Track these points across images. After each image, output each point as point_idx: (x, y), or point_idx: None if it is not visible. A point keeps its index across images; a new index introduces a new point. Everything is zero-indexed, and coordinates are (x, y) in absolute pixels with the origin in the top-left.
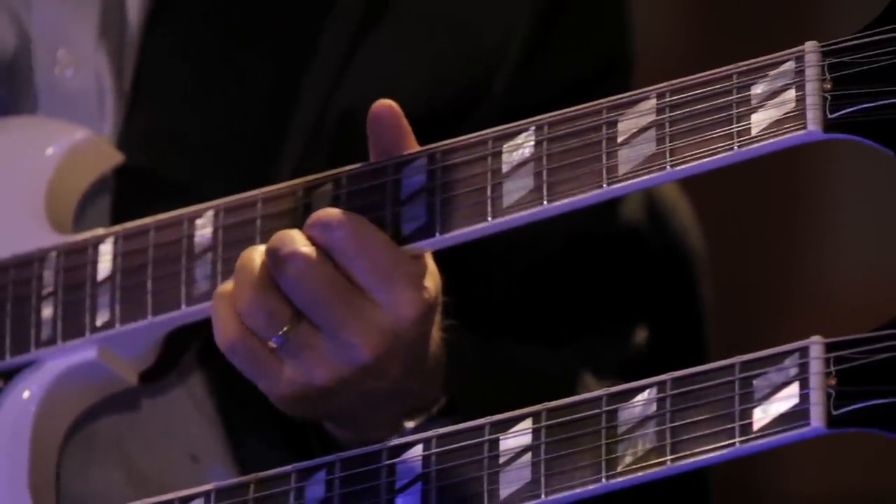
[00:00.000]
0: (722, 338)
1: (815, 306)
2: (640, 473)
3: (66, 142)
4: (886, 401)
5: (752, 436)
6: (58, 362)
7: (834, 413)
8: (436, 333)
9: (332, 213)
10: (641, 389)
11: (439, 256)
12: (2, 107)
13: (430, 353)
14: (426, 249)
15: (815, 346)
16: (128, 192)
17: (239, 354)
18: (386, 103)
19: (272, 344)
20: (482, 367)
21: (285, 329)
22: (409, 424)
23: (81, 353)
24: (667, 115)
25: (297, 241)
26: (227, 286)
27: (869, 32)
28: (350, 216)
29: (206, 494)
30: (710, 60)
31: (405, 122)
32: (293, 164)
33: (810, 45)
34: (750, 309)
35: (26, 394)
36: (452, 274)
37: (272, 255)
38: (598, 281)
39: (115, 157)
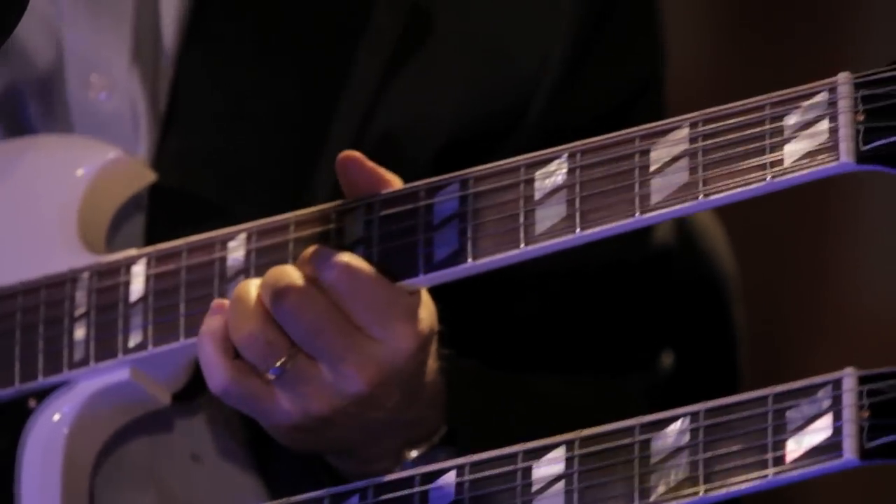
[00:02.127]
0: (754, 361)
1: (846, 330)
2: (673, 503)
3: (99, 161)
4: None
5: (785, 467)
6: (90, 383)
7: (867, 446)
8: (432, 363)
9: (324, 252)
10: (674, 419)
11: (465, 283)
12: (34, 121)
13: (427, 382)
14: (437, 282)
15: (848, 378)
16: (161, 212)
17: (234, 394)
18: (347, 155)
19: (270, 375)
20: (483, 396)
21: (283, 360)
22: (412, 455)
23: (114, 374)
24: (700, 145)
25: (293, 275)
26: (211, 326)
27: None
28: (341, 255)
29: None
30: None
31: (370, 165)
32: (328, 188)
33: (843, 77)
34: (782, 332)
35: (57, 416)
36: (475, 301)
37: (269, 288)
38: (627, 305)
39: (148, 177)
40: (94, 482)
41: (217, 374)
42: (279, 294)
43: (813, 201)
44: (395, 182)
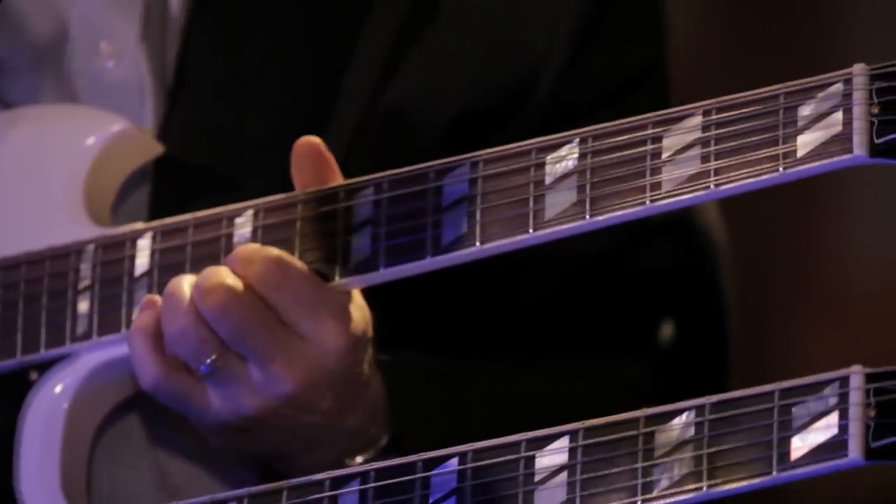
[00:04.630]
0: (745, 332)
1: (835, 304)
2: (675, 498)
3: (106, 132)
4: None
5: (790, 465)
6: (92, 356)
7: (872, 446)
8: (368, 369)
9: (251, 247)
10: (679, 412)
11: (457, 270)
12: (31, 93)
13: (364, 388)
14: (422, 270)
15: (856, 375)
16: (167, 184)
17: (165, 391)
18: (307, 140)
19: (200, 372)
20: (430, 397)
21: (214, 357)
22: (356, 461)
23: (117, 348)
24: (712, 133)
25: (223, 274)
26: (142, 322)
27: None
28: (269, 250)
29: (239, 499)
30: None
31: (327, 156)
32: (339, 161)
33: (859, 69)
34: (770, 302)
35: (58, 389)
36: (467, 287)
37: (197, 287)
38: (626, 286)
39: (155, 149)
40: (93, 456)
41: (148, 371)
42: (207, 293)
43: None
44: (340, 178)
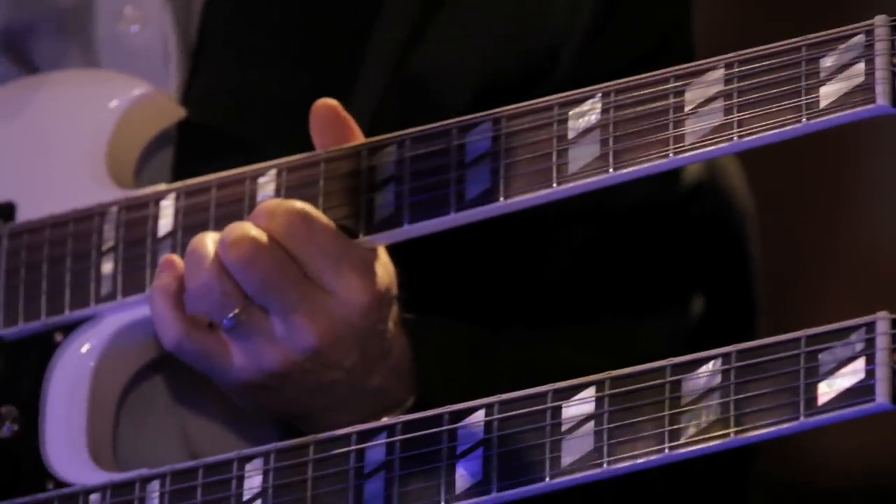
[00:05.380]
0: (770, 298)
1: (860, 267)
2: (702, 445)
3: (129, 95)
4: None
5: (817, 410)
6: (117, 317)
7: None
8: (393, 328)
9: (275, 201)
10: (706, 360)
11: (485, 228)
12: (57, 59)
13: (389, 348)
14: (446, 226)
15: (882, 321)
16: (190, 147)
17: (188, 350)
18: (324, 102)
19: (224, 326)
20: (456, 358)
21: (236, 311)
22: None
23: (141, 308)
24: (735, 86)
25: (247, 227)
26: (162, 282)
27: None
28: (293, 204)
29: (266, 454)
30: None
31: (345, 116)
32: (363, 128)
33: (880, 19)
34: (797, 269)
35: (85, 348)
36: (496, 246)
37: (221, 240)
38: (656, 246)
39: (177, 112)
40: (119, 416)
41: (170, 330)
42: (231, 245)
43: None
44: (361, 137)
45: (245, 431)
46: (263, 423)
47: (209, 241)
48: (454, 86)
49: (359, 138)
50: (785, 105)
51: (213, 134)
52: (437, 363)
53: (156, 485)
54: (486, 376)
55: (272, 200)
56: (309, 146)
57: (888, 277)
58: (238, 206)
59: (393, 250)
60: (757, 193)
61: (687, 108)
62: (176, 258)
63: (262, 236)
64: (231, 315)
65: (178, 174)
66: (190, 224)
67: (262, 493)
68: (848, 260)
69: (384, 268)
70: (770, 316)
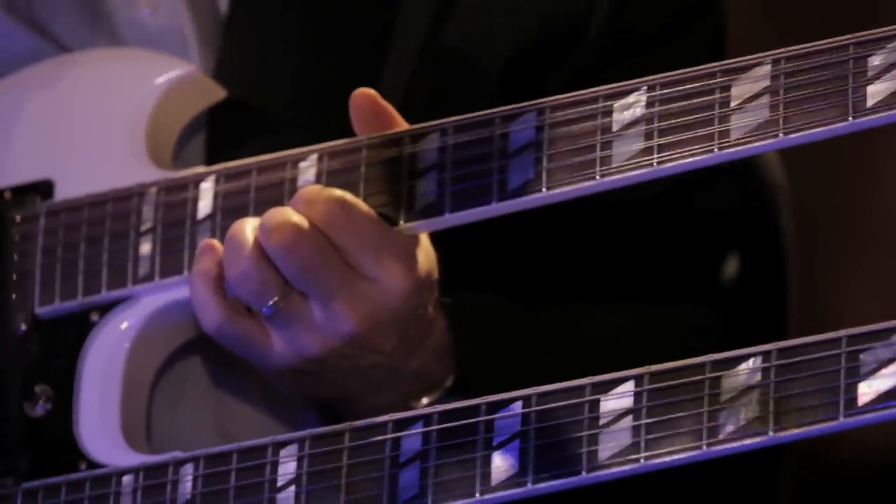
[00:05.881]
0: (803, 278)
1: (890, 236)
2: (741, 442)
3: (170, 74)
4: None
5: (857, 410)
6: (154, 299)
7: None
8: (433, 311)
9: (315, 188)
10: (746, 358)
11: (523, 214)
12: (84, 41)
13: (429, 330)
14: (488, 215)
15: None
16: (223, 129)
17: (228, 334)
18: (363, 92)
19: (263, 314)
20: (497, 340)
21: (276, 299)
22: (422, 403)
23: (178, 290)
24: (782, 82)
25: (288, 213)
26: (203, 266)
27: None
28: (333, 191)
29: (301, 440)
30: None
31: (385, 105)
32: (395, 104)
33: None
34: (829, 248)
35: (121, 329)
36: (534, 231)
37: (262, 226)
38: (686, 225)
39: (217, 93)
40: (153, 398)
41: (210, 314)
42: (272, 231)
43: None
44: (403, 124)
45: (281, 415)
46: (300, 407)
47: (248, 228)
48: (485, 57)
49: (400, 125)
50: (832, 103)
51: (244, 115)
52: (477, 343)
53: (189, 468)
54: (529, 353)
55: (312, 187)
56: (340, 125)
57: None
58: (278, 190)
59: (434, 232)
60: (791, 170)
61: (733, 104)
62: (216, 242)
63: (303, 222)
64: (271, 303)
65: (211, 155)
66: (229, 207)
67: (296, 480)
68: (881, 239)
69: (425, 253)
70: (801, 295)
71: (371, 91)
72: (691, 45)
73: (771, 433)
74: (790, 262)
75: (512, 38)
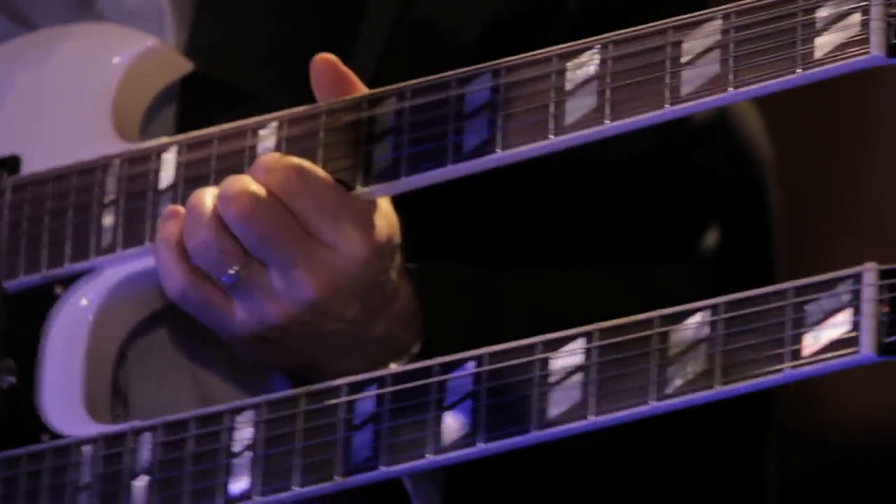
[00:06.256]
0: (788, 248)
1: (877, 220)
2: (688, 396)
3: (135, 48)
4: None
5: (802, 361)
6: (117, 270)
7: (885, 341)
8: (397, 277)
9: (273, 156)
10: (694, 312)
11: (494, 175)
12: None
13: (393, 296)
14: (444, 177)
15: (869, 272)
16: (194, 100)
17: (191, 300)
18: (323, 57)
19: (224, 283)
20: (461, 307)
21: (236, 268)
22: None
23: (141, 261)
24: (731, 37)
25: (245, 181)
26: (167, 232)
27: None
28: (290, 159)
29: (258, 406)
30: None
31: (345, 70)
32: (368, 77)
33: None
34: (814, 221)
35: (84, 301)
36: (504, 193)
37: (220, 196)
38: (666, 189)
39: (184, 66)
40: (119, 371)
41: (174, 280)
42: (230, 200)
43: (849, 89)
44: (363, 90)
45: (252, 384)
46: (272, 376)
47: (207, 197)
48: (460, 30)
49: (360, 90)
50: (780, 56)
51: (216, 87)
52: (443, 308)
53: (148, 436)
54: (497, 316)
55: (270, 155)
56: (313, 98)
57: None
58: (238, 158)
59: (399, 197)
60: (775, 142)
61: (684, 59)
62: (180, 208)
63: (260, 191)
64: (231, 272)
65: (181, 127)
66: (191, 177)
67: (252, 445)
68: (865, 209)
69: (385, 218)
70: (789, 264)
71: (331, 56)
72: (671, 14)
73: (718, 387)
74: (776, 235)
75: (487, 8)
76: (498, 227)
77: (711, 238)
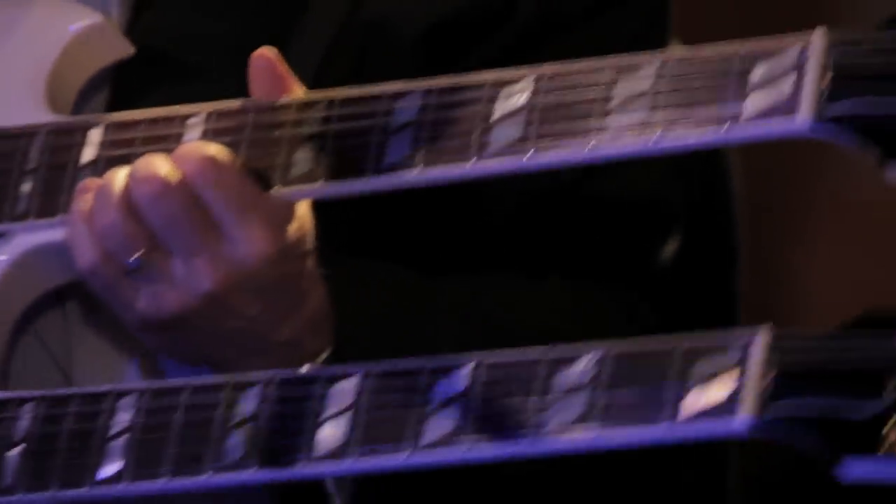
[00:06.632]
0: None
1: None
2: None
3: (80, 23)
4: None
5: (679, 424)
6: (26, 239)
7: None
8: (307, 281)
9: (192, 144)
10: (582, 355)
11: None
12: None
13: (301, 300)
14: (359, 189)
15: (817, 39)
16: (127, 84)
17: (99, 278)
18: (262, 52)
19: (128, 266)
20: (376, 312)
21: (141, 252)
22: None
23: (53, 232)
24: (664, 86)
25: (158, 164)
26: (81, 206)
27: (880, 32)
28: (207, 148)
29: (141, 392)
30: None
31: (282, 68)
32: (310, 73)
33: (818, 34)
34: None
35: None
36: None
37: (132, 175)
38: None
39: (126, 49)
40: (11, 347)
41: (85, 254)
42: (141, 181)
43: None
44: (299, 90)
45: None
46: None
47: (120, 177)
48: (408, 29)
49: (296, 91)
50: (707, 113)
51: (151, 71)
52: (356, 315)
53: (30, 407)
54: (422, 323)
55: (191, 143)
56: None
57: (873, 237)
58: (163, 144)
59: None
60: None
61: (613, 102)
62: (98, 180)
63: (172, 175)
64: (136, 256)
65: (112, 109)
66: (113, 156)
67: (127, 430)
68: (832, 217)
69: (298, 222)
70: (750, 258)
71: (271, 53)
72: (623, 22)
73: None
74: (737, 230)
75: (435, 10)
76: (442, 232)
77: (670, 247)
